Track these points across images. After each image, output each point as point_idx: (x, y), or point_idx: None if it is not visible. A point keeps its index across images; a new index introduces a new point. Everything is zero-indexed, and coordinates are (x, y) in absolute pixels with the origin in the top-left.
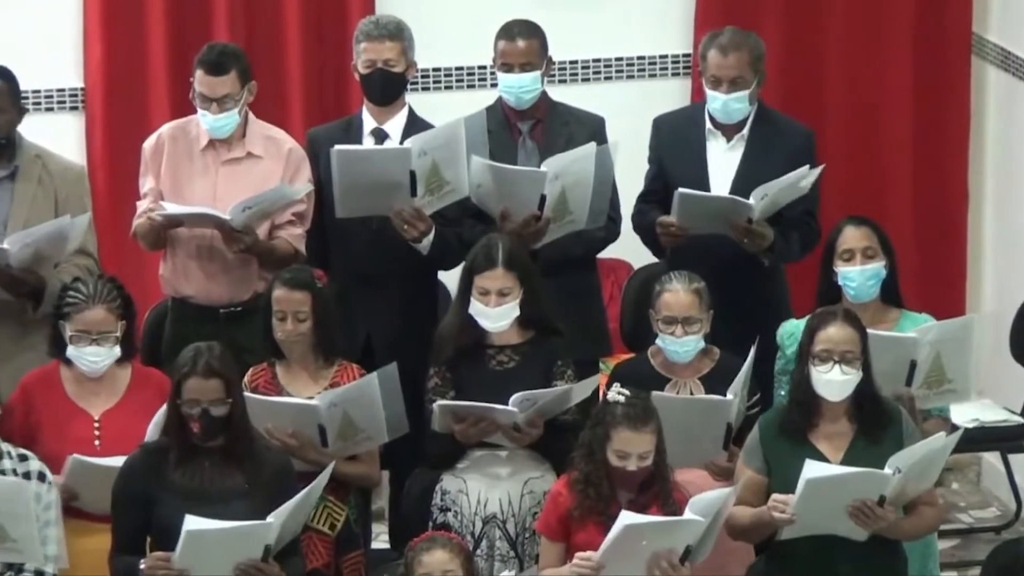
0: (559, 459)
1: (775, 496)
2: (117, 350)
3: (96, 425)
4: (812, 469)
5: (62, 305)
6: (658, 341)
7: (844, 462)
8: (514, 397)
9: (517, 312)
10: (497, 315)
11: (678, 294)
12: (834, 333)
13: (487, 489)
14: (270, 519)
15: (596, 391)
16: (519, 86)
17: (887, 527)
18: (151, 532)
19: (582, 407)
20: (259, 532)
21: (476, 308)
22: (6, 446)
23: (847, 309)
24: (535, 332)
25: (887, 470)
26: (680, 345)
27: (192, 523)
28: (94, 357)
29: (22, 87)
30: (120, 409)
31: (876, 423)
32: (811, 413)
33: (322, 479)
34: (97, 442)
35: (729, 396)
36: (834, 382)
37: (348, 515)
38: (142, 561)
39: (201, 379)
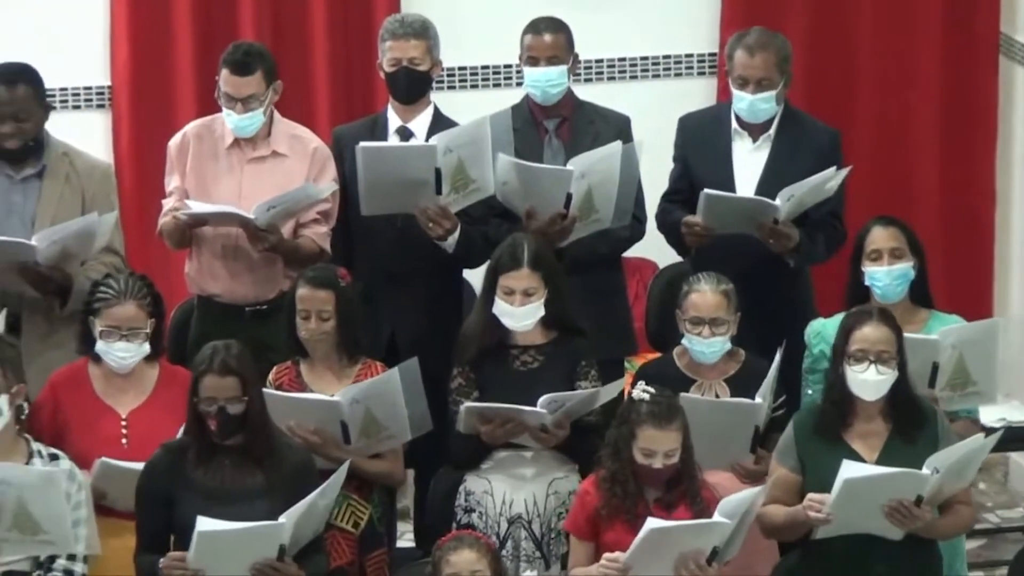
0: (584, 459)
1: (811, 496)
2: (146, 347)
3: (123, 423)
4: (850, 469)
5: (92, 301)
6: (684, 341)
7: (879, 461)
8: (542, 399)
9: (542, 312)
10: (522, 315)
11: (706, 295)
12: (870, 332)
13: (512, 490)
14: (282, 519)
15: (620, 391)
16: (545, 80)
17: (923, 526)
18: (173, 531)
19: (605, 407)
20: (272, 532)
21: (501, 308)
22: (37, 446)
23: (883, 308)
24: (559, 332)
25: (925, 470)
26: (707, 346)
27: (204, 524)
28: (123, 353)
29: (49, 85)
30: (147, 407)
31: (912, 422)
32: (846, 412)
33: (337, 477)
34: (124, 440)
35: (758, 399)
36: (869, 382)
37: (372, 513)
38: (160, 560)
39: (217, 377)
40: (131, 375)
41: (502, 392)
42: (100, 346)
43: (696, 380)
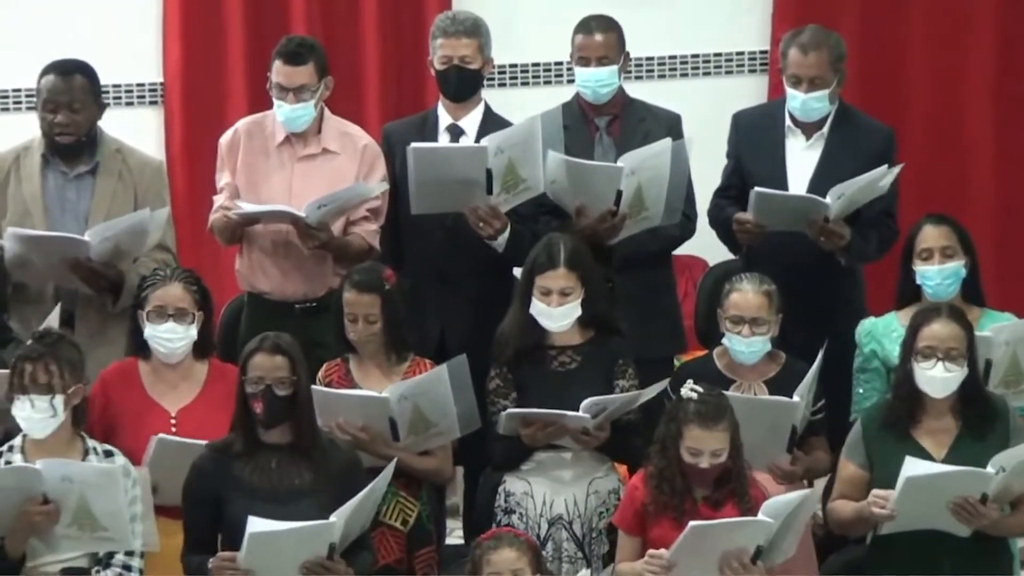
0: (623, 458)
1: (875, 492)
2: (193, 332)
3: (173, 420)
4: (912, 467)
5: (140, 293)
6: (724, 340)
7: (948, 459)
8: (585, 403)
9: (579, 312)
10: (559, 315)
11: (747, 294)
12: (939, 330)
13: (552, 491)
14: (333, 518)
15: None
16: (596, 80)
17: (990, 524)
18: (221, 531)
19: (644, 405)
20: (323, 531)
21: (537, 308)
22: (92, 443)
23: (952, 305)
24: (596, 332)
25: (990, 469)
26: (746, 346)
27: (255, 525)
28: (170, 335)
29: (102, 82)
30: (197, 405)
31: (982, 420)
32: (914, 409)
33: (386, 475)
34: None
35: (795, 398)
36: (937, 379)
37: (420, 511)
38: (211, 560)
39: (267, 355)
40: (180, 371)
41: (540, 393)
42: (148, 332)
43: (735, 380)
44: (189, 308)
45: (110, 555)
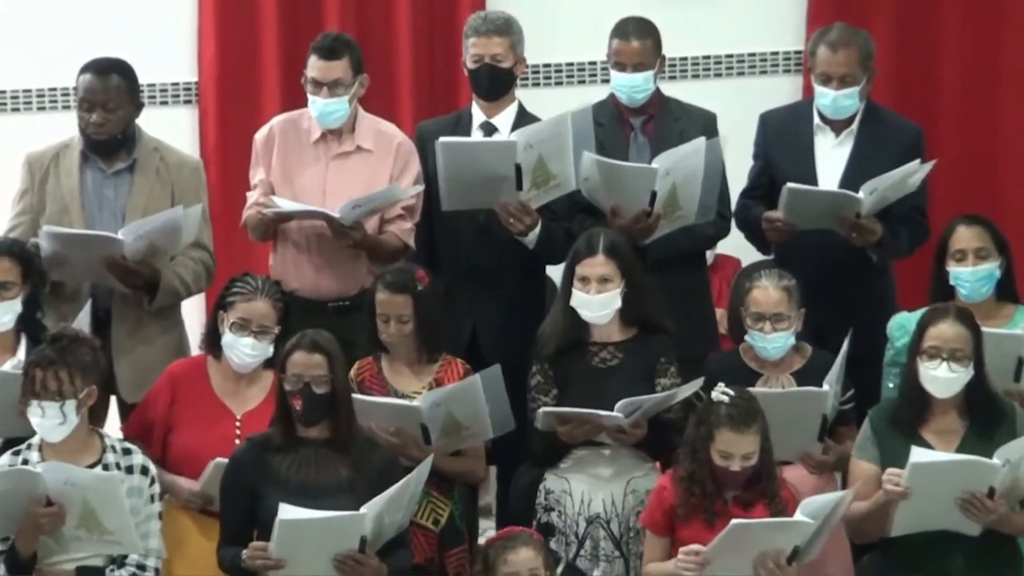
0: (662, 455)
1: (890, 470)
2: (271, 349)
3: (237, 424)
4: (918, 455)
5: (226, 295)
6: (747, 337)
7: None
8: (619, 403)
9: (619, 303)
10: (599, 303)
11: (767, 291)
12: (945, 330)
13: (590, 489)
14: (363, 510)
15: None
16: (631, 86)
17: (999, 520)
18: (257, 525)
19: (684, 402)
20: (353, 523)
21: (577, 299)
22: (110, 440)
23: (961, 307)
24: (639, 330)
25: (996, 460)
26: (768, 342)
27: (286, 512)
28: (250, 350)
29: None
30: (263, 410)
31: (989, 420)
32: (921, 408)
33: (421, 472)
34: (238, 441)
35: (825, 387)
36: (940, 379)
37: (452, 511)
38: (243, 551)
39: (305, 352)
40: (248, 375)
41: (580, 389)
42: (227, 339)
43: (762, 374)
44: (271, 326)
45: (124, 555)
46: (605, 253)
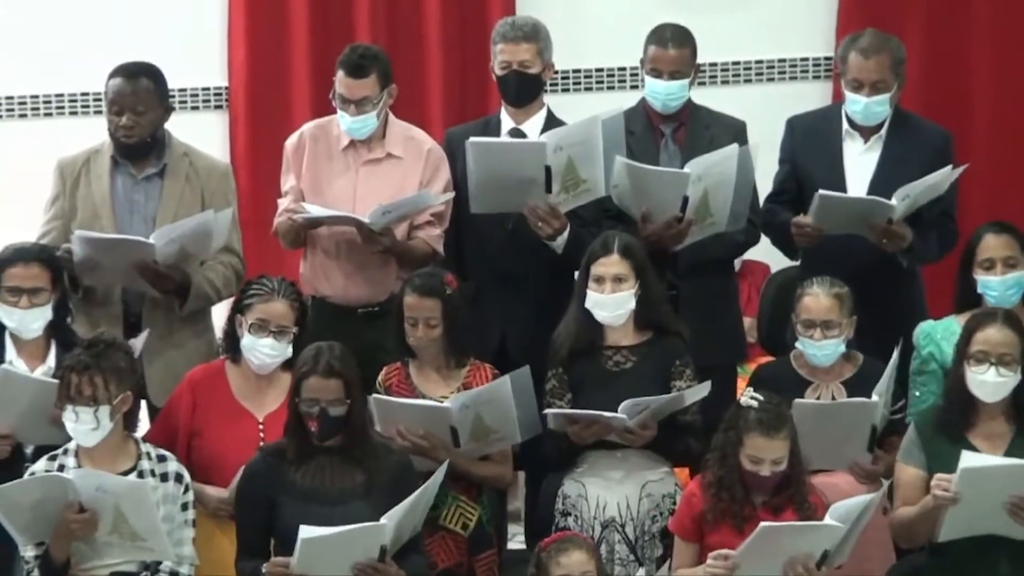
0: (677, 458)
1: (938, 475)
2: (290, 350)
3: (260, 427)
4: (968, 459)
5: (243, 298)
6: (798, 344)
7: None
8: (623, 404)
9: (633, 304)
10: (613, 303)
11: (818, 298)
12: (993, 335)
13: (605, 492)
14: (384, 520)
15: (733, 394)
16: (667, 93)
17: None
18: (274, 534)
19: (703, 409)
20: (374, 533)
21: (592, 299)
22: (146, 447)
23: (1008, 311)
24: (653, 334)
25: None
26: (819, 349)
27: (307, 532)
28: (269, 351)
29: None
30: (284, 412)
31: None
32: (967, 413)
33: (436, 478)
34: (261, 444)
35: (874, 398)
36: (988, 383)
37: (481, 515)
38: (264, 565)
39: (321, 379)
40: (268, 378)
41: (594, 392)
42: (246, 341)
43: (812, 382)
44: (290, 326)
45: (158, 561)
46: (620, 253)
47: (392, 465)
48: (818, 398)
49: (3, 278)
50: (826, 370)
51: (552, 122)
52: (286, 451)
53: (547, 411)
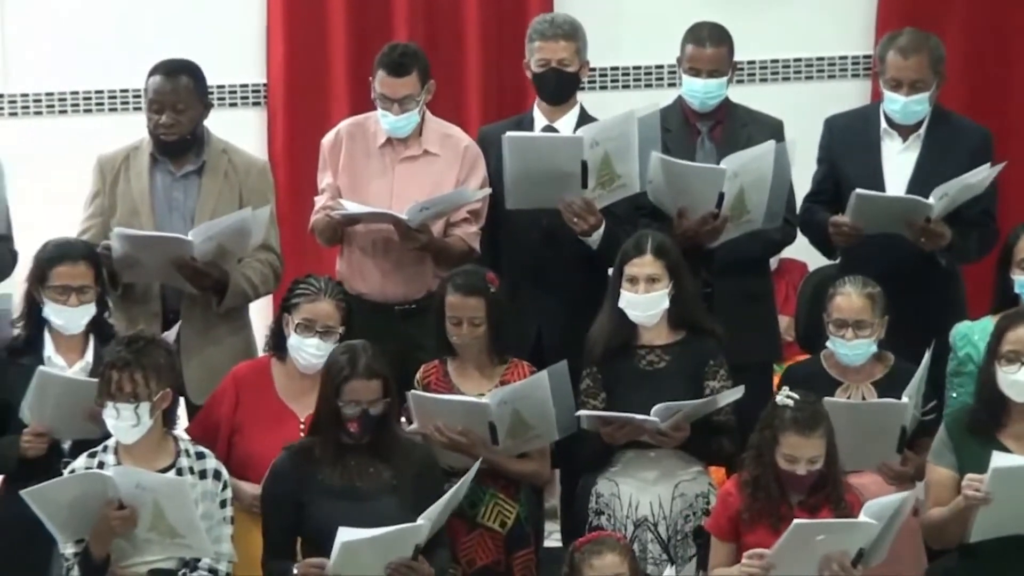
0: (711, 458)
1: (970, 476)
2: None
3: (302, 427)
4: (1000, 459)
5: (290, 297)
6: (829, 343)
7: None
8: (655, 408)
9: (666, 304)
10: (646, 303)
11: (851, 297)
12: None
13: (638, 492)
14: (421, 520)
15: (769, 393)
16: (704, 92)
17: None
18: (302, 534)
19: (737, 409)
20: (411, 534)
21: (625, 299)
22: (185, 444)
23: None
24: (687, 333)
25: None
26: (850, 348)
27: (345, 534)
28: (315, 351)
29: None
30: None
31: None
32: (999, 413)
33: (468, 476)
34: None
35: (904, 399)
36: (1020, 383)
37: (519, 513)
38: (295, 567)
39: (364, 380)
40: (312, 378)
41: (628, 392)
42: (293, 341)
43: (843, 383)
44: (336, 326)
45: (197, 558)
46: (653, 253)
47: (418, 460)
48: (848, 398)
49: (50, 276)
50: (856, 370)
51: (585, 119)
52: (312, 450)
53: (580, 412)
